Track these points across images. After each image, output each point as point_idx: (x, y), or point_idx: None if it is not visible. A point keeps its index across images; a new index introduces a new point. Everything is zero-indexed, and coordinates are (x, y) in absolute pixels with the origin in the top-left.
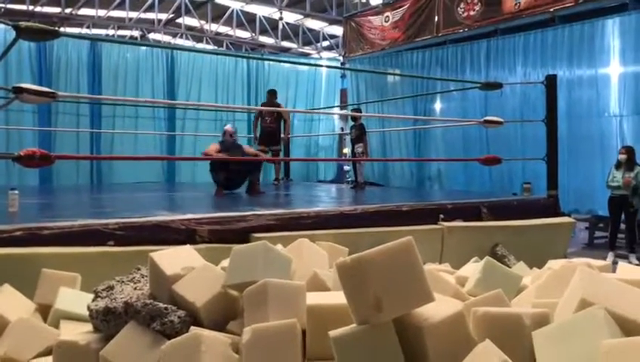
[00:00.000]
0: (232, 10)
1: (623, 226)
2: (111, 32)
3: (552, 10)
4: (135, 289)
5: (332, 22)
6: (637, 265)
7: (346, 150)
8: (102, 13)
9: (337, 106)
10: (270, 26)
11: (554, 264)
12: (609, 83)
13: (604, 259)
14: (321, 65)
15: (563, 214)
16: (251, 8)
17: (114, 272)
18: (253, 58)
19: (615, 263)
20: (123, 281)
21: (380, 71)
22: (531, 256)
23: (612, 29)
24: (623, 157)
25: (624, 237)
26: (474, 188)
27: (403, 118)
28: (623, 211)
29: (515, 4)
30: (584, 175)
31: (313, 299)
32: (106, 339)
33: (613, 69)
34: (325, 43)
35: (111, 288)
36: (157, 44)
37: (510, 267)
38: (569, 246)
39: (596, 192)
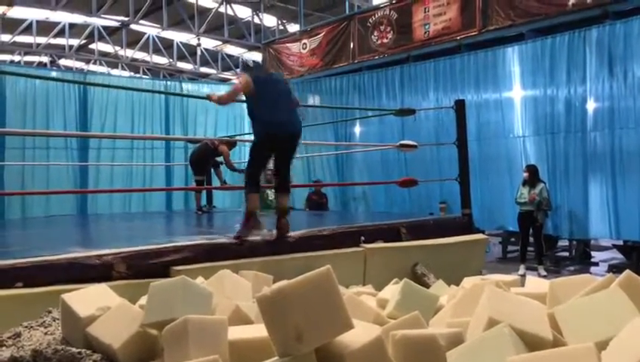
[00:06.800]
0: (148, 37)
1: (532, 240)
2: (17, 57)
3: (458, 38)
4: (46, 334)
5: (251, 48)
6: (545, 276)
7: None
8: (6, 38)
9: None
10: (188, 52)
11: (467, 282)
12: (512, 106)
13: (517, 271)
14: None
15: (477, 231)
16: (168, 34)
17: (22, 317)
18: (165, 93)
19: (523, 276)
20: (32, 326)
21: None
22: (450, 273)
23: (512, 56)
24: (526, 175)
25: (533, 250)
26: (395, 209)
27: (324, 144)
28: (531, 226)
29: (425, 33)
30: (495, 193)
31: (235, 333)
32: None
33: (515, 93)
34: None
35: (18, 335)
36: (65, 79)
37: (430, 285)
38: (485, 261)
39: (506, 209)
